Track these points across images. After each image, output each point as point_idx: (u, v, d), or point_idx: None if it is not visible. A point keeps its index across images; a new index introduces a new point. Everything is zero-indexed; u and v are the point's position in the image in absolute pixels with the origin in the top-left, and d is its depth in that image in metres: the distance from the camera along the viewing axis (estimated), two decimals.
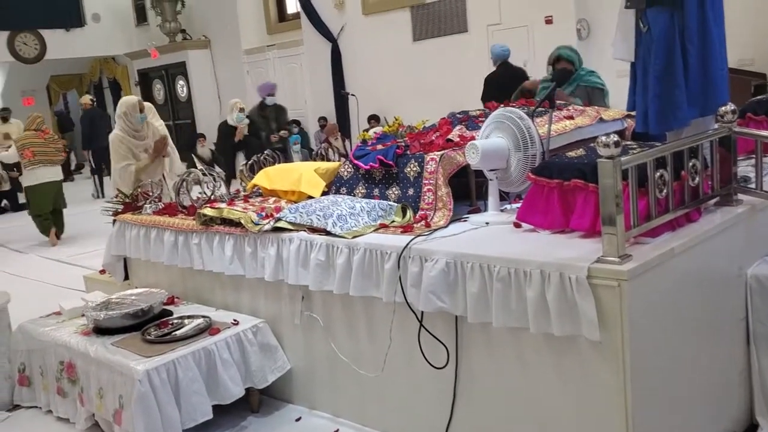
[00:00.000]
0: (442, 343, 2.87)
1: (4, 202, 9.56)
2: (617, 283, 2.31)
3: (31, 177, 8.53)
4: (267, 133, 8.58)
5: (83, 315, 3.89)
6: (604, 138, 2.33)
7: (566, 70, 4.76)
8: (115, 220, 4.56)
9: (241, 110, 9.17)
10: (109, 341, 3.53)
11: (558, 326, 2.44)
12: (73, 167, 14.12)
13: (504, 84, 6.97)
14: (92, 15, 15.15)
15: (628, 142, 2.99)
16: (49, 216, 8.72)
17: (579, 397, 2.51)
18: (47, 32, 14.63)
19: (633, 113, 3.57)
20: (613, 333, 2.35)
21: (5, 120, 12.18)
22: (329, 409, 3.47)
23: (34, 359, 3.88)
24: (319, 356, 3.46)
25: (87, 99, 13.23)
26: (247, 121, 9.32)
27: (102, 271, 5.38)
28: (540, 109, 3.53)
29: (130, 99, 5.44)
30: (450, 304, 2.75)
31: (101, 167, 9.88)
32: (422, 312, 2.88)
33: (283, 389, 3.65)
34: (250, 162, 4.71)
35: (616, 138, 2.33)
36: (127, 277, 4.71)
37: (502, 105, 3.95)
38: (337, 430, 3.33)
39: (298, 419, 3.49)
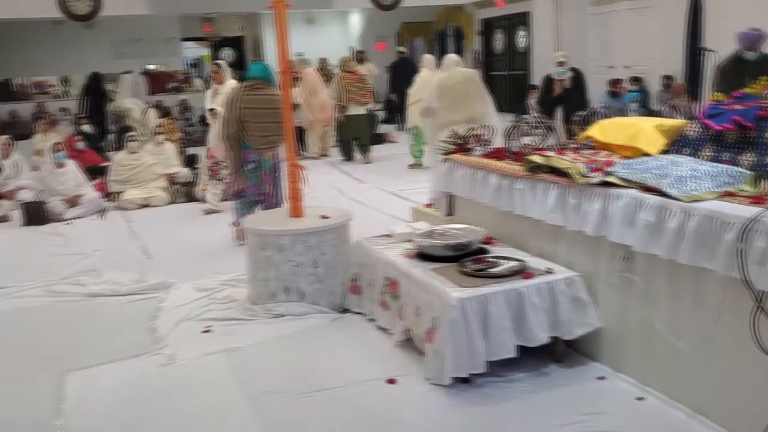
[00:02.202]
0: None
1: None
2: None
3: (342, 110, 10.48)
4: None
5: (410, 240, 4.23)
6: None
7: None
8: (446, 159, 4.82)
9: (560, 64, 8.97)
10: (429, 267, 3.79)
11: None
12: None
13: None
14: None
15: None
16: (352, 143, 10.67)
17: None
18: None
19: None
20: None
21: (361, 62, 13.89)
22: (636, 374, 3.31)
23: (365, 272, 4.33)
24: (632, 319, 3.31)
25: (400, 50, 14.76)
26: (568, 74, 9.05)
27: (428, 205, 5.77)
28: None
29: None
30: None
31: (404, 107, 11.06)
32: (763, 292, 2.56)
33: (589, 346, 3.57)
34: (585, 114, 4.60)
35: None
36: (450, 213, 4.97)
37: None
38: (642, 397, 3.18)
39: (601, 378, 3.40)
